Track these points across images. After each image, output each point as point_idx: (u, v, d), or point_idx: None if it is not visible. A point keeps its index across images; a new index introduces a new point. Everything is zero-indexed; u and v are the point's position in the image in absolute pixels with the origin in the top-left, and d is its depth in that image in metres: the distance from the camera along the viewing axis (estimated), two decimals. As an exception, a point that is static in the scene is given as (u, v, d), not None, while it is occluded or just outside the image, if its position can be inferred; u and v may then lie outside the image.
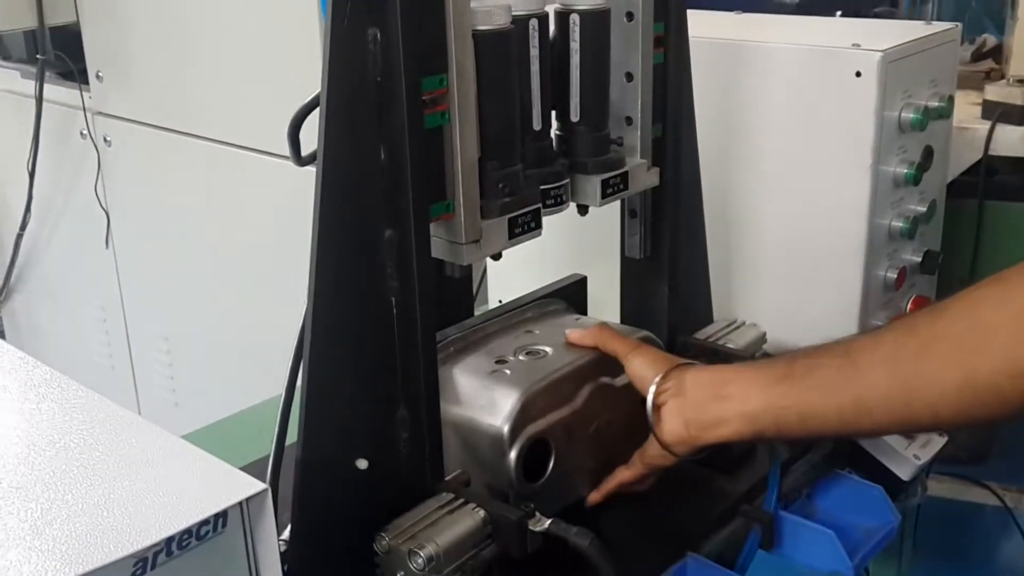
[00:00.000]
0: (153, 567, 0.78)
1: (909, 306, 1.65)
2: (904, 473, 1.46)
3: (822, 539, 1.33)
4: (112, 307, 3.03)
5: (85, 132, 2.88)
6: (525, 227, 1.16)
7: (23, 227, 3.20)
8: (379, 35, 0.98)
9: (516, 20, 1.13)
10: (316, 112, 1.03)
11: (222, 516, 0.82)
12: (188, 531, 0.80)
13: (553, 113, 1.26)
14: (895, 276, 1.58)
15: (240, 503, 0.82)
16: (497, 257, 1.17)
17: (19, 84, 3.05)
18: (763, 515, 1.34)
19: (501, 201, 1.14)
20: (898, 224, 1.55)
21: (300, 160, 1.14)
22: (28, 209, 3.15)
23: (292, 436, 1.10)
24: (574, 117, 1.26)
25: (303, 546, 1.04)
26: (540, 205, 1.18)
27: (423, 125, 1.02)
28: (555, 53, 1.23)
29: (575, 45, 1.23)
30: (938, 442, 1.50)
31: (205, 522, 0.81)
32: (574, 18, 1.23)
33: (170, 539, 0.78)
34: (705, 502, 1.37)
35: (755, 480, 1.40)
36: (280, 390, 1.13)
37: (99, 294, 3.05)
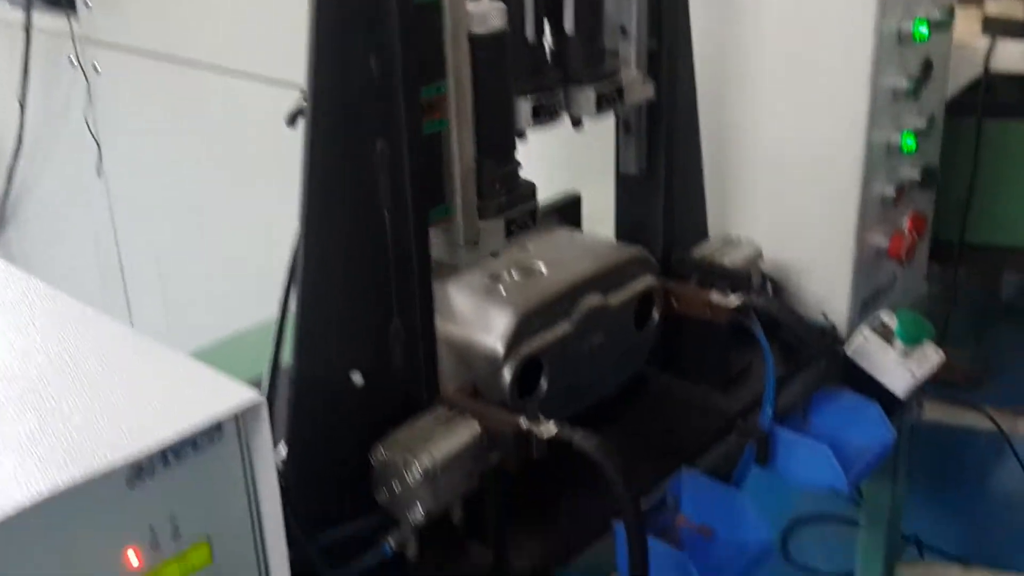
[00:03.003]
0: (151, 475, 0.78)
1: (907, 222, 1.64)
2: (900, 390, 1.46)
3: (817, 454, 1.34)
4: (105, 235, 3.02)
5: (74, 60, 2.84)
6: (522, 225, 1.16)
7: (15, 157, 3.17)
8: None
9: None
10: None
11: (218, 427, 0.82)
12: (184, 441, 0.79)
13: (548, 27, 1.24)
14: (893, 192, 1.56)
15: (236, 414, 0.82)
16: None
17: (5, 12, 3.00)
18: (758, 431, 1.34)
19: (498, 201, 1.13)
20: (897, 138, 1.53)
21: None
22: (20, 139, 3.12)
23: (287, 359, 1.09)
24: (568, 28, 1.23)
25: (299, 460, 1.04)
26: (536, 203, 1.18)
27: (412, 29, 1.00)
28: (548, -39, 1.21)
29: (569, -47, 1.20)
30: (934, 358, 1.50)
31: (201, 432, 0.80)
32: (568, -75, 1.20)
33: (165, 448, 0.78)
34: (701, 419, 1.39)
35: (751, 397, 1.41)
36: (273, 313, 1.12)
37: (92, 223, 3.04)
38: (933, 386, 2.99)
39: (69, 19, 2.80)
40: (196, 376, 0.87)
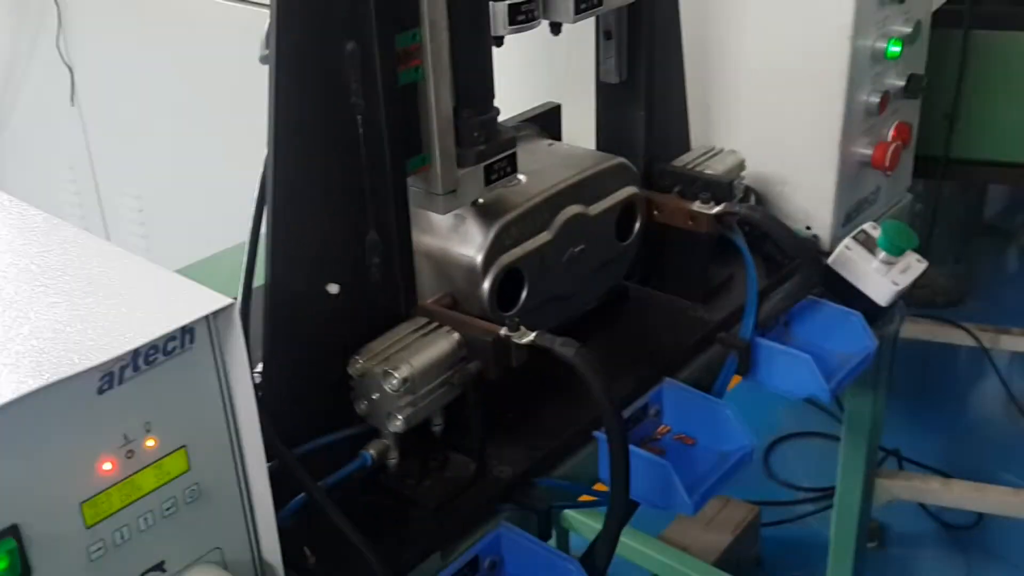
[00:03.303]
0: (120, 382, 0.77)
1: (891, 132, 1.62)
2: (882, 298, 1.46)
3: (798, 364, 1.33)
4: (81, 165, 2.98)
5: (44, -16, 2.78)
6: (501, 172, 1.13)
7: (-14, 86, 3.13)
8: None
9: None
10: None
11: (189, 331, 0.80)
12: (154, 346, 0.78)
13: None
14: (878, 100, 1.54)
15: (207, 317, 0.81)
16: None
17: None
18: (739, 342, 1.34)
19: (477, 149, 1.10)
20: (882, 45, 1.50)
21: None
22: None
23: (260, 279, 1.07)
24: (545, -72, 1.19)
25: (276, 372, 1.03)
26: (515, 150, 1.15)
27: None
28: None
29: None
30: (917, 267, 1.49)
31: (171, 336, 0.79)
32: None
33: (136, 352, 0.77)
34: (683, 330, 1.37)
35: (732, 308, 1.40)
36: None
37: (67, 152, 2.98)
38: (914, 304, 3.01)
39: None
40: (168, 284, 0.85)
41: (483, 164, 1.12)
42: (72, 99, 2.89)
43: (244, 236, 1.23)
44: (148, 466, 0.80)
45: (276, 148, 0.98)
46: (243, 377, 0.84)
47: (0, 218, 0.95)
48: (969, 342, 2.87)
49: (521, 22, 1.15)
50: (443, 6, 1.03)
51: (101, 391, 0.76)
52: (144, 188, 2.81)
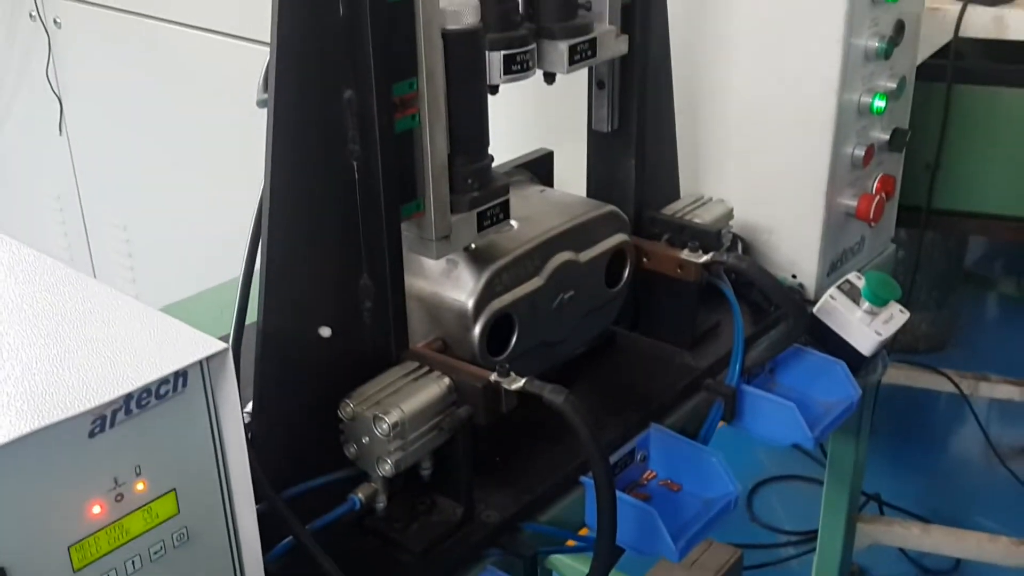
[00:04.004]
0: (112, 425, 0.77)
1: (875, 185, 1.64)
2: (865, 348, 1.47)
3: (783, 411, 1.35)
4: (68, 195, 2.98)
5: (34, 14, 2.78)
6: (494, 218, 1.15)
7: (-27, 114, 3.13)
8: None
9: None
10: None
11: (182, 375, 0.80)
12: (147, 389, 0.78)
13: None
14: (863, 153, 1.56)
15: (200, 362, 0.81)
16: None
17: None
18: (725, 389, 1.35)
19: (470, 196, 1.12)
20: (867, 100, 1.53)
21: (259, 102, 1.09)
22: None
23: (252, 316, 1.08)
24: (541, -20, 1.22)
25: (266, 415, 1.03)
26: (508, 197, 1.16)
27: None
28: (521, -88, 1.19)
29: (541, -99, 1.19)
30: (900, 318, 1.51)
31: (164, 380, 0.79)
32: None
33: (128, 396, 0.77)
34: (669, 376, 1.38)
35: (719, 355, 1.41)
36: (240, 271, 1.10)
37: (54, 182, 2.99)
38: (896, 350, 3.03)
39: None
40: (160, 326, 0.85)
41: (476, 211, 1.13)
42: (61, 129, 2.89)
43: (231, 272, 1.23)
44: (137, 509, 0.80)
45: (272, 191, 0.99)
46: (234, 420, 0.84)
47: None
48: (949, 388, 2.89)
49: (516, 72, 1.17)
50: (440, 56, 1.04)
51: (92, 435, 0.76)
52: (131, 220, 2.81)
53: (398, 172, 1.05)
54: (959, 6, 2.14)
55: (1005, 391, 3.00)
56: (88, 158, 2.87)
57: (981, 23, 2.16)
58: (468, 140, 1.11)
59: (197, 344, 0.82)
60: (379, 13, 0.98)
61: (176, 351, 0.81)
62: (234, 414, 0.84)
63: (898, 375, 3.02)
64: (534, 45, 1.20)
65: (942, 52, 2.16)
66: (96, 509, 0.77)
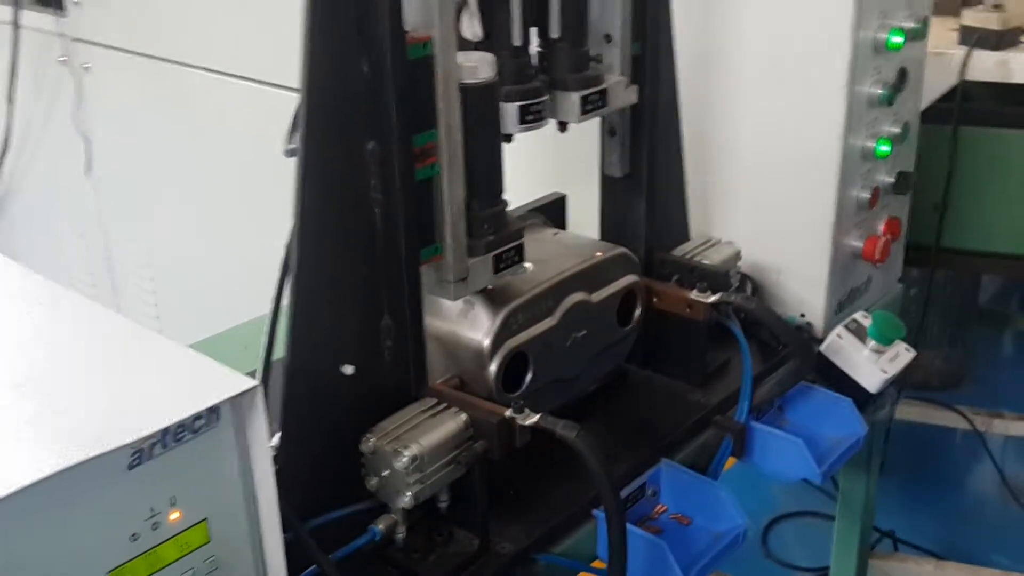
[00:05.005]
0: (150, 458, 0.82)
1: (882, 227, 1.68)
2: (872, 386, 1.51)
3: (791, 447, 1.39)
4: (92, 234, 3.04)
5: (63, 58, 2.87)
6: (509, 261, 1.20)
7: (2, 154, 3.20)
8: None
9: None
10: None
11: (215, 410, 0.85)
12: (183, 424, 0.83)
13: (535, 31, 1.28)
14: (868, 196, 1.61)
15: (232, 399, 0.86)
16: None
17: None
18: (735, 425, 1.39)
19: (487, 240, 1.18)
20: (872, 144, 1.58)
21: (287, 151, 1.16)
22: (7, 137, 3.14)
23: (277, 352, 1.13)
24: (554, 34, 1.28)
25: (292, 449, 1.07)
26: (523, 240, 1.22)
27: (406, 54, 1.05)
28: (536, -31, 1.25)
29: (555, -39, 1.25)
30: (906, 356, 1.55)
31: (198, 416, 0.84)
32: (554, -66, 1.24)
33: (165, 431, 0.82)
34: (680, 413, 1.43)
35: (728, 392, 1.45)
36: (263, 311, 1.15)
37: (80, 221, 3.06)
38: (910, 387, 3.03)
39: (58, 18, 2.82)
40: (193, 364, 0.90)
41: (492, 254, 1.18)
42: (87, 169, 2.96)
43: (254, 311, 1.29)
44: (171, 538, 0.85)
45: (300, 236, 1.04)
46: (263, 454, 0.89)
47: (33, 296, 1.01)
48: (964, 425, 2.91)
49: (530, 121, 1.22)
50: (458, 109, 1.10)
51: (131, 467, 0.81)
52: (155, 259, 2.87)
53: (417, 219, 1.10)
54: (964, 51, 2.20)
55: (1019, 428, 3.01)
56: (113, 198, 2.95)
57: (985, 67, 2.21)
58: (484, 187, 1.17)
59: (229, 381, 0.87)
60: (400, 70, 1.04)
61: (209, 388, 0.86)
62: (263, 448, 0.88)
63: (912, 412, 3.04)
64: (547, 96, 1.26)
65: (949, 95, 2.21)
66: (134, 537, 0.82)
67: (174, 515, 0.85)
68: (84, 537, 0.79)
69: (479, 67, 1.12)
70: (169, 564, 0.85)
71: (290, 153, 1.07)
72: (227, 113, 2.44)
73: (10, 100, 3.05)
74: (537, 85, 1.24)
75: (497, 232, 1.18)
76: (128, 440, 0.79)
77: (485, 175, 1.16)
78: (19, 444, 0.79)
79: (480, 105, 1.13)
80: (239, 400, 0.87)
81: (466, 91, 1.11)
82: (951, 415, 2.96)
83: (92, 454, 0.77)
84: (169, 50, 2.52)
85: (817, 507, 3.13)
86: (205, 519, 0.87)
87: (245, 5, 2.27)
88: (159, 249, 2.83)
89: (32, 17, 2.92)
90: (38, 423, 0.81)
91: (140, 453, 0.81)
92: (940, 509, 3.24)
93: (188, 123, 2.57)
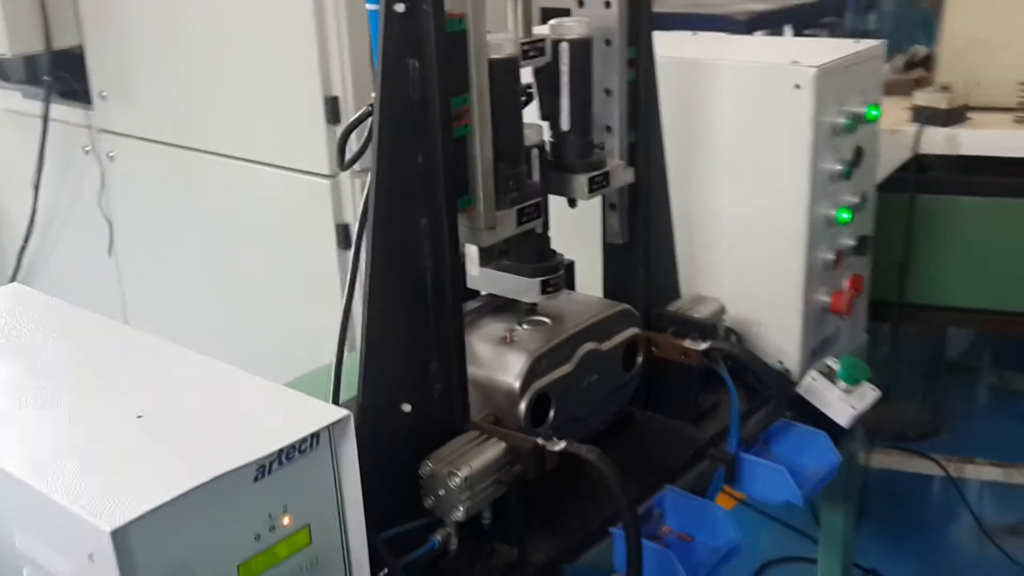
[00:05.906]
0: (269, 473, 1.03)
1: (846, 283, 1.91)
2: (843, 420, 1.73)
3: (776, 474, 1.58)
4: (114, 314, 3.07)
5: (88, 148, 3.00)
6: (529, 216, 1.41)
7: (26, 239, 3.30)
8: (417, 64, 1.24)
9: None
10: (362, 125, 1.29)
11: (316, 435, 1.06)
12: (293, 446, 1.04)
13: (546, 124, 1.52)
14: (833, 257, 1.83)
15: (329, 426, 1.07)
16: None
17: (20, 104, 3.17)
18: (726, 456, 1.59)
19: (511, 195, 1.39)
20: (834, 213, 1.81)
21: (343, 165, 1.40)
22: (32, 222, 3.25)
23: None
24: (564, 127, 1.51)
25: (364, 474, 1.28)
26: (541, 199, 1.43)
27: (453, 135, 1.28)
28: (548, 75, 1.49)
29: (564, 68, 1.49)
30: (872, 395, 1.76)
31: (304, 440, 1.05)
32: (563, 46, 1.48)
33: (281, 451, 1.03)
34: (678, 446, 1.63)
35: (719, 428, 1.65)
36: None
37: (102, 302, 3.12)
38: (887, 439, 3.18)
39: (85, 110, 2.96)
40: (295, 400, 1.12)
41: (516, 207, 1.38)
42: (110, 251, 3.05)
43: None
44: (284, 539, 1.05)
45: (370, 299, 1.27)
46: (352, 472, 1.09)
47: (149, 349, 1.23)
48: (939, 472, 3.08)
49: (524, 223, 1.42)
50: (487, 79, 1.30)
51: (256, 479, 1.01)
52: (173, 335, 2.96)
53: (461, 281, 1.32)
54: (916, 127, 2.44)
55: (990, 473, 3.18)
56: (135, 279, 3.04)
57: (936, 141, 2.42)
58: (508, 148, 1.36)
59: (326, 412, 1.08)
60: (448, 157, 1.28)
61: (311, 417, 1.07)
62: (352, 467, 1.09)
63: (890, 460, 3.21)
64: (541, 200, 1.45)
65: (905, 166, 2.44)
66: (257, 536, 1.02)
67: (286, 520, 1.04)
68: (221, 534, 0.99)
69: (504, 44, 1.33)
70: (282, 561, 1.04)
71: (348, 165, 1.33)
72: (246, 197, 2.53)
73: (36, 187, 3.15)
74: (533, 192, 1.43)
75: (520, 190, 1.37)
76: (255, 457, 1.00)
77: (509, 139, 1.36)
78: (166, 466, 1.00)
79: (504, 76, 1.33)
80: (335, 428, 1.08)
81: (492, 64, 1.31)
82: (926, 463, 3.13)
83: (228, 468, 0.98)
84: (188, 138, 2.64)
85: (805, 553, 3.29)
86: (308, 524, 1.07)
87: (260, 97, 2.39)
88: (176, 325, 2.86)
89: (61, 110, 3.03)
90: (179, 453, 1.02)
91: (262, 468, 1.02)
92: (921, 551, 3.39)
93: (209, 207, 2.67)
